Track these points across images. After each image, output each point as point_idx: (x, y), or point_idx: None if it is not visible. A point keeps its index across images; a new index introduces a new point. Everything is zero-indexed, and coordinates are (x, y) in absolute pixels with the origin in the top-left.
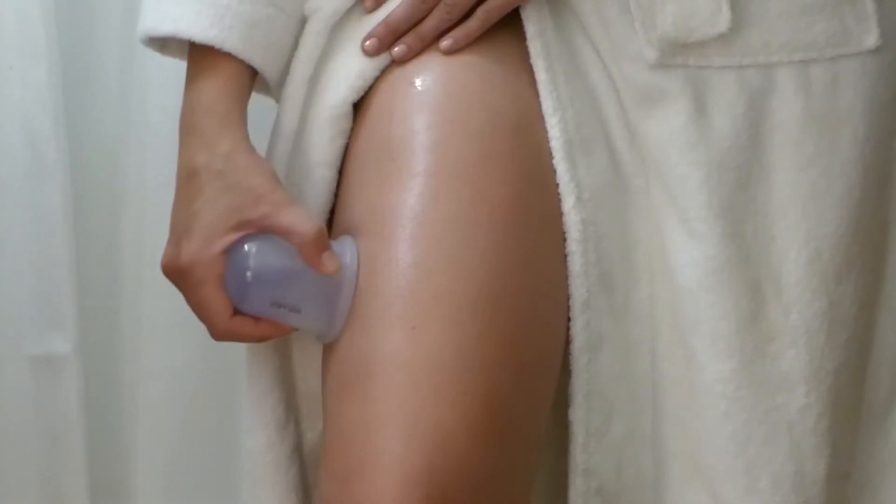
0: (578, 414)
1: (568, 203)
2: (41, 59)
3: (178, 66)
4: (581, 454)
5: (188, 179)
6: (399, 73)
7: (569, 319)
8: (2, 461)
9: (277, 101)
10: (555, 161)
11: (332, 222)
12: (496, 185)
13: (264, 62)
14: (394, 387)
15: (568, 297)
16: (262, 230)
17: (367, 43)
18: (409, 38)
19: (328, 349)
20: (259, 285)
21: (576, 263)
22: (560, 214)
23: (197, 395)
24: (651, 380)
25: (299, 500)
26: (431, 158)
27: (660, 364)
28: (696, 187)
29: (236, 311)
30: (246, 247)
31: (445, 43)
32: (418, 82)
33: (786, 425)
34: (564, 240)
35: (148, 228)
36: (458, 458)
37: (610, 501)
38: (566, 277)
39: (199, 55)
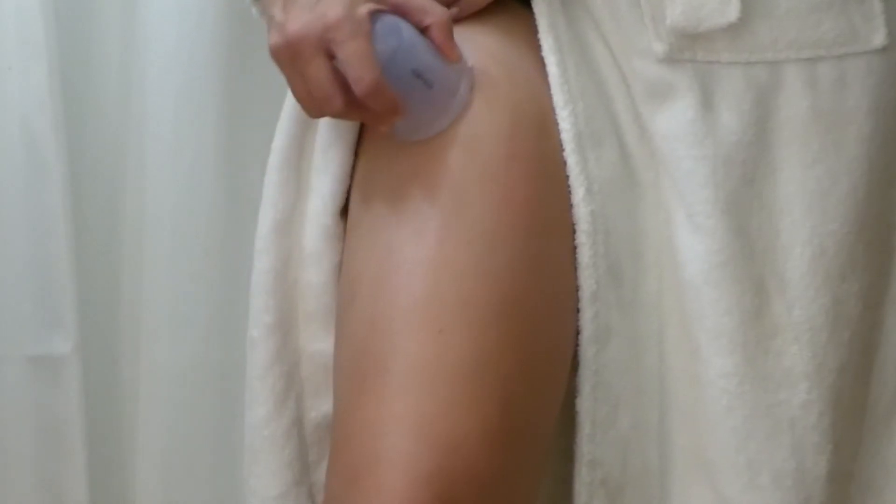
0: (585, 405)
1: (578, 195)
2: (41, 59)
3: (177, 68)
4: (587, 445)
5: None
6: None
7: (577, 311)
8: (1, 461)
9: None
10: (565, 153)
11: (349, 208)
12: (521, 187)
13: None
14: (412, 387)
15: (577, 290)
16: (394, 9)
17: None
18: None
19: (343, 342)
20: (404, 50)
21: (584, 255)
22: (570, 207)
23: (197, 395)
24: (658, 373)
25: (295, 476)
26: (460, 156)
27: (667, 358)
28: (703, 182)
29: None
30: (391, 17)
31: (451, 11)
32: None
33: (788, 421)
34: (574, 232)
35: (148, 228)
36: (471, 462)
37: (614, 493)
38: (575, 269)
39: None
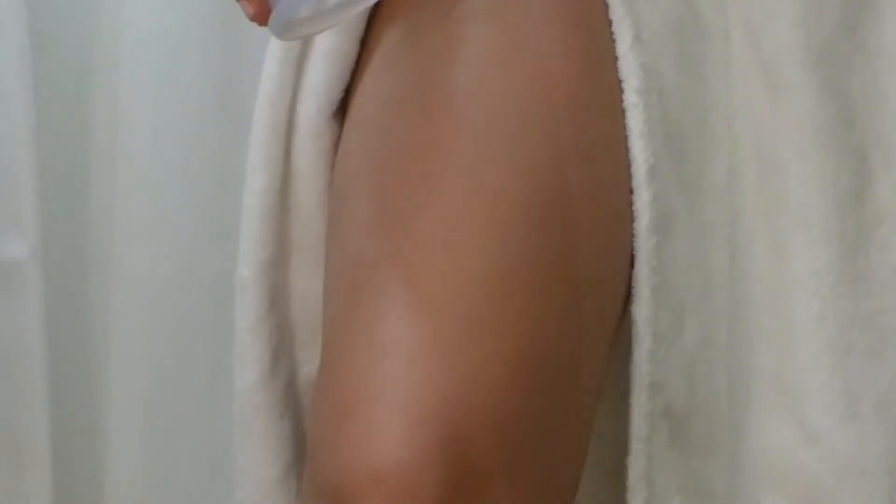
0: (644, 312)
1: (624, 44)
2: None
3: None
4: (648, 363)
5: None
6: None
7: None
8: None
9: None
10: None
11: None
12: (556, 57)
13: None
14: (417, 302)
15: (629, 170)
16: None
17: None
18: None
19: (332, 254)
20: None
21: (637, 120)
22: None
23: (184, 311)
24: (728, 275)
25: (295, 451)
26: (482, 21)
27: (739, 255)
28: (789, 28)
29: None
30: None
31: None
32: None
33: (895, 333)
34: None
35: (123, 104)
36: (489, 397)
37: (680, 424)
38: (626, 147)
39: None
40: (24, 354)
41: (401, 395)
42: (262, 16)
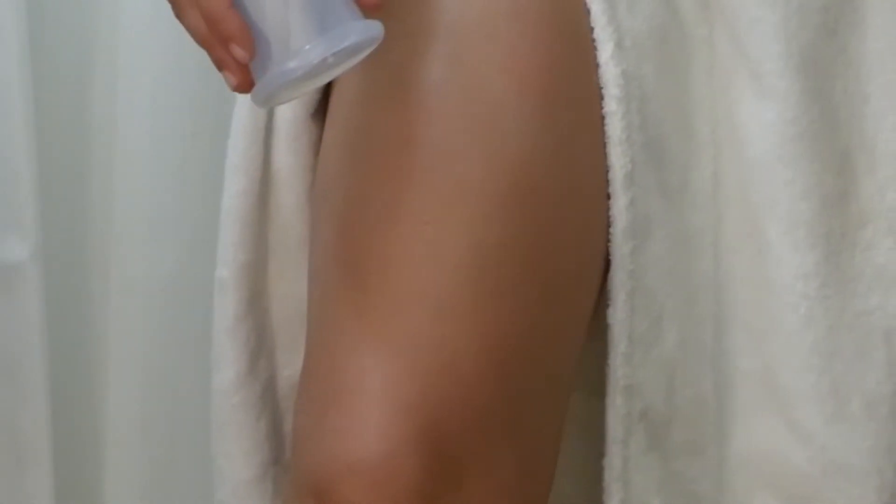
0: (619, 316)
1: (605, 51)
2: None
3: None
4: (623, 367)
5: None
6: None
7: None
8: None
9: None
10: (588, 1)
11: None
12: (529, 48)
13: None
14: (390, 295)
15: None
16: None
17: None
18: None
19: (314, 251)
20: None
21: (615, 127)
22: (597, 68)
23: (183, 312)
24: (713, 280)
25: (271, 452)
26: (454, 12)
27: (725, 260)
28: (772, 33)
29: None
30: None
31: None
32: None
33: (882, 333)
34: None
35: (122, 103)
36: (463, 388)
37: (658, 428)
38: (605, 151)
39: None
40: (24, 355)
41: (378, 386)
42: (244, 87)
